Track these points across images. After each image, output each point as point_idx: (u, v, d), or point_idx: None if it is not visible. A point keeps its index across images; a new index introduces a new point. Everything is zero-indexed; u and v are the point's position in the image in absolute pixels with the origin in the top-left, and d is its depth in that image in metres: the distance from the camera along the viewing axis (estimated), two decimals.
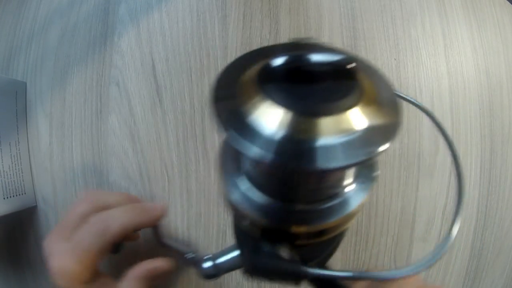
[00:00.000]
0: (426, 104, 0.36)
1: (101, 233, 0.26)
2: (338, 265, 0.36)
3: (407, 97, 0.23)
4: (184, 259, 0.27)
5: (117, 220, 0.26)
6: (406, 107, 0.38)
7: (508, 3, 0.40)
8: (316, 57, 0.15)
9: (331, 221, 0.18)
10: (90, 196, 0.28)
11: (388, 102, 0.16)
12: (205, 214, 0.35)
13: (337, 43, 0.37)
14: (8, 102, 0.34)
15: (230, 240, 0.35)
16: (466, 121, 0.37)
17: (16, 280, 0.37)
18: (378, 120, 0.14)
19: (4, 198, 0.32)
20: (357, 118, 0.14)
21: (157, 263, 0.27)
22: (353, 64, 0.15)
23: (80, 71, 0.37)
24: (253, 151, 0.13)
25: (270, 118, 0.14)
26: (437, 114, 0.36)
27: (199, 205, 0.35)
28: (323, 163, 0.13)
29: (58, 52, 0.37)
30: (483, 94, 0.37)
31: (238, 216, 0.20)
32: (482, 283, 0.37)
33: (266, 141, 0.13)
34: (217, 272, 0.25)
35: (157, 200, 0.36)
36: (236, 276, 0.36)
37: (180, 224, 0.35)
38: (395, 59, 0.37)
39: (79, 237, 0.26)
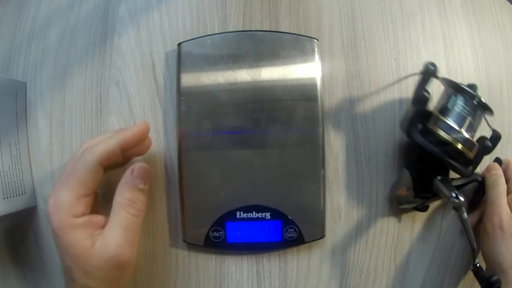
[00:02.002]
0: None
1: (87, 157, 0.27)
2: (338, 265, 0.36)
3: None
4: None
5: (100, 141, 0.28)
6: (406, 108, 0.38)
7: (508, 3, 0.40)
8: None
9: None
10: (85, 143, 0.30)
11: None
12: None
13: (337, 43, 0.37)
14: (8, 102, 0.34)
15: None
16: None
17: (16, 280, 0.37)
18: None
19: (4, 198, 0.32)
20: None
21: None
22: None
23: (80, 71, 0.37)
24: None
25: None
26: None
27: None
28: None
29: (58, 52, 0.37)
30: (483, 94, 0.37)
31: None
32: None
33: None
34: None
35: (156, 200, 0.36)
36: (236, 276, 0.36)
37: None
38: (395, 59, 0.37)
39: (68, 167, 0.28)
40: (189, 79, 0.34)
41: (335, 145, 0.36)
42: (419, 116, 0.31)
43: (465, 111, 0.31)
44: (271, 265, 0.36)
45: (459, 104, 0.31)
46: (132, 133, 0.29)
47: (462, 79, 0.37)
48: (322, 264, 0.36)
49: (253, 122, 0.33)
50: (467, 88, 0.31)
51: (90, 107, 0.36)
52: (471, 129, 0.31)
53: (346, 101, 0.36)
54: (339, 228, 0.36)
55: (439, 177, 0.32)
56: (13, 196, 0.33)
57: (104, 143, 0.28)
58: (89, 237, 0.26)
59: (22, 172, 0.35)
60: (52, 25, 0.37)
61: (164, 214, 0.36)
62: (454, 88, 0.32)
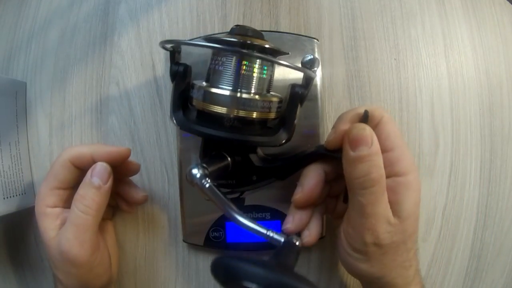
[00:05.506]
0: (426, 104, 0.36)
1: (62, 154, 0.29)
2: (338, 265, 0.36)
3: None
4: None
5: (78, 145, 0.33)
6: (406, 108, 0.38)
7: (508, 3, 0.40)
8: None
9: None
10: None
11: None
12: None
13: (337, 43, 0.37)
14: (8, 102, 0.34)
15: None
16: (466, 121, 0.37)
17: (16, 280, 0.37)
18: None
19: (4, 198, 0.32)
20: None
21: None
22: None
23: (80, 71, 0.37)
24: None
25: None
26: (437, 114, 0.36)
27: None
28: None
29: (58, 52, 0.37)
30: (483, 94, 0.37)
31: None
32: (482, 283, 0.37)
33: None
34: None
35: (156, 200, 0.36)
36: None
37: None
38: (395, 59, 0.37)
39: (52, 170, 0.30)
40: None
41: None
42: (181, 94, 0.27)
43: (231, 65, 0.26)
44: None
45: (220, 61, 0.26)
46: (107, 151, 0.30)
47: (462, 79, 0.37)
48: (322, 264, 0.36)
49: None
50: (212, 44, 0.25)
51: (90, 107, 0.36)
52: (258, 84, 0.27)
53: (346, 101, 0.36)
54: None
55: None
56: (13, 196, 0.33)
57: (79, 147, 0.31)
58: (54, 228, 0.28)
59: (22, 172, 0.35)
60: (52, 25, 0.37)
61: (164, 214, 0.36)
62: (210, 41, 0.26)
